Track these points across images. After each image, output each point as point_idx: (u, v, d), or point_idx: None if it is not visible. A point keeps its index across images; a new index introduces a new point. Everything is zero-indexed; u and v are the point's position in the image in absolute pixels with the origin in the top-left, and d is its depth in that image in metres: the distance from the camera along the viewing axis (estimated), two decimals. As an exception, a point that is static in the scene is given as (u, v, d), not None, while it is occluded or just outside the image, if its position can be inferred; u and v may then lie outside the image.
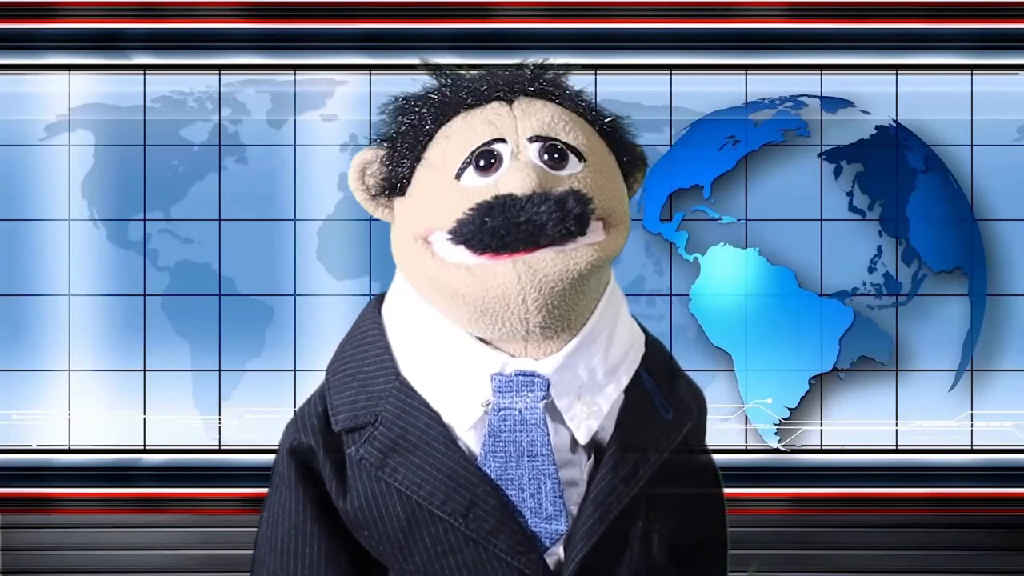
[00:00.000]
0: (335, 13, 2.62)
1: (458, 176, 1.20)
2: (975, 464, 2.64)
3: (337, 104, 2.67)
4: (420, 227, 1.22)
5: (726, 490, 1.41)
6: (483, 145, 1.20)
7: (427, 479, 1.20)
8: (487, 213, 1.16)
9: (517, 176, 1.17)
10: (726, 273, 2.64)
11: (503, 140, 1.21)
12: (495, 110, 1.23)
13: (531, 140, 1.21)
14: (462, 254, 1.19)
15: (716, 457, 1.40)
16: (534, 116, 1.22)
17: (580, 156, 1.22)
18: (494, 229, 1.16)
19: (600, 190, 1.21)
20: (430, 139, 1.24)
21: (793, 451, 2.65)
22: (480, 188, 1.19)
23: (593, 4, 2.63)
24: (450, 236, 1.18)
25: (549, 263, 1.17)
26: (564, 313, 1.19)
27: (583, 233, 1.18)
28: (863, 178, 2.65)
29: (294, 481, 1.26)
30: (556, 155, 1.21)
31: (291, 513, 1.25)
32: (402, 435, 1.22)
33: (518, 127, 1.21)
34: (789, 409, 2.65)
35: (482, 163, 1.20)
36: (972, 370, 2.65)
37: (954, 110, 2.66)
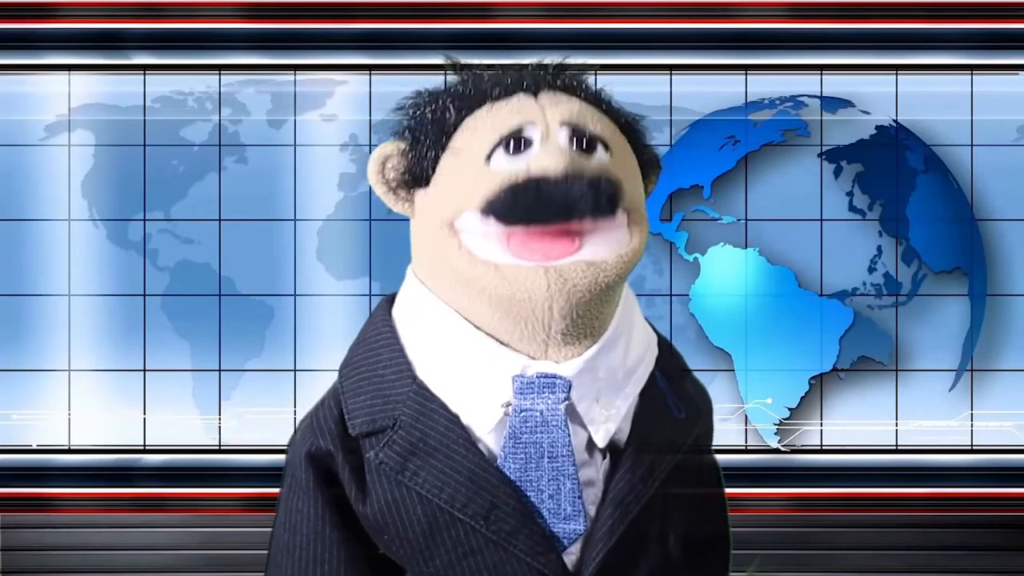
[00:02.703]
0: (335, 13, 2.62)
1: (488, 159, 1.19)
2: (975, 464, 2.64)
3: (337, 104, 2.67)
4: (448, 211, 1.20)
5: (727, 490, 1.41)
6: (513, 130, 1.20)
7: (448, 482, 1.20)
8: (520, 191, 1.16)
9: (550, 156, 1.17)
10: (726, 273, 2.64)
11: (532, 124, 1.20)
12: (521, 100, 1.22)
13: (561, 125, 1.20)
14: (492, 247, 1.17)
15: (716, 457, 1.41)
16: (561, 105, 1.22)
17: (606, 147, 1.22)
18: (527, 206, 1.15)
19: (626, 183, 1.20)
20: (455, 129, 1.23)
21: (793, 451, 2.65)
22: (511, 170, 1.18)
23: (593, 4, 2.63)
24: (480, 213, 1.17)
25: (580, 273, 1.16)
26: (587, 322, 1.20)
27: (613, 214, 1.18)
28: (863, 178, 2.65)
29: (312, 486, 1.25)
30: (585, 144, 1.20)
31: (310, 518, 1.25)
32: (422, 439, 1.21)
33: (547, 115, 1.21)
34: (789, 409, 2.65)
35: (512, 146, 1.19)
36: (972, 370, 2.65)
37: (954, 110, 2.66)
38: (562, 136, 1.20)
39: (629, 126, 1.27)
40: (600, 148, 1.21)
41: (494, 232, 1.18)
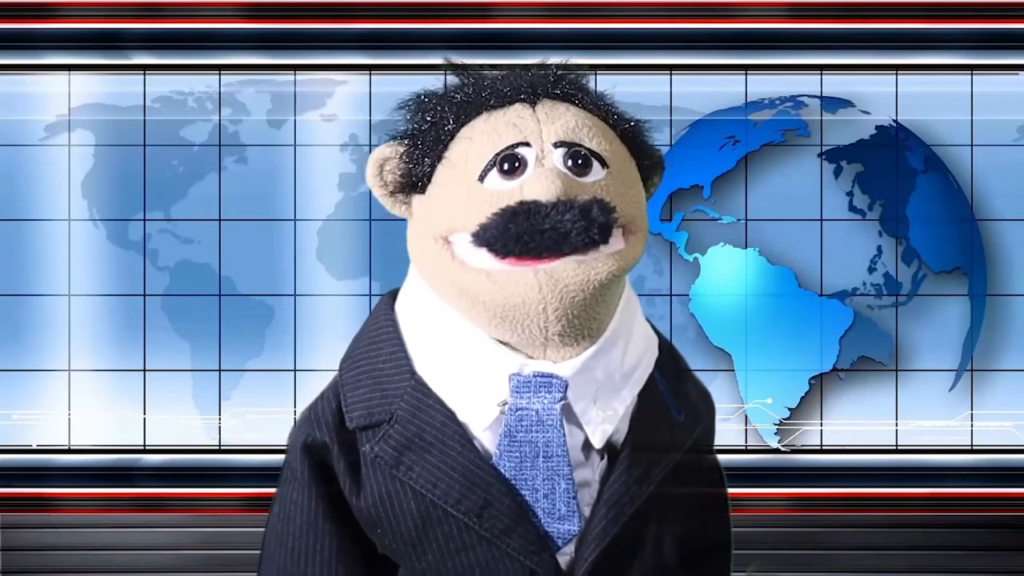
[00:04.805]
0: (335, 13, 2.62)
1: (481, 178, 1.19)
2: (975, 464, 2.64)
3: (337, 104, 2.67)
4: (441, 227, 1.21)
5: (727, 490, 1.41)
6: (507, 148, 1.19)
7: (442, 478, 1.20)
8: (511, 219, 1.16)
9: (542, 183, 1.16)
10: (726, 273, 2.64)
11: (527, 144, 1.20)
12: (518, 112, 1.22)
13: (556, 145, 1.20)
14: (484, 257, 1.18)
15: (718, 459, 1.41)
16: (558, 120, 1.21)
17: (603, 163, 1.21)
18: (518, 235, 1.15)
19: (621, 198, 1.20)
20: (451, 138, 1.23)
21: (793, 451, 2.65)
22: (504, 192, 1.18)
23: (593, 4, 2.63)
24: (473, 239, 1.18)
25: (571, 273, 1.16)
26: (584, 322, 1.19)
27: (606, 242, 1.18)
28: (863, 178, 2.65)
29: (307, 477, 1.25)
30: (580, 161, 1.20)
31: (303, 509, 1.25)
32: (418, 433, 1.21)
33: (542, 131, 1.20)
34: (789, 409, 2.65)
35: (506, 167, 1.19)
36: (972, 370, 2.65)
37: (954, 110, 2.66)
38: (556, 156, 1.19)
39: (631, 132, 1.27)
40: (596, 165, 1.21)
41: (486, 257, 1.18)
